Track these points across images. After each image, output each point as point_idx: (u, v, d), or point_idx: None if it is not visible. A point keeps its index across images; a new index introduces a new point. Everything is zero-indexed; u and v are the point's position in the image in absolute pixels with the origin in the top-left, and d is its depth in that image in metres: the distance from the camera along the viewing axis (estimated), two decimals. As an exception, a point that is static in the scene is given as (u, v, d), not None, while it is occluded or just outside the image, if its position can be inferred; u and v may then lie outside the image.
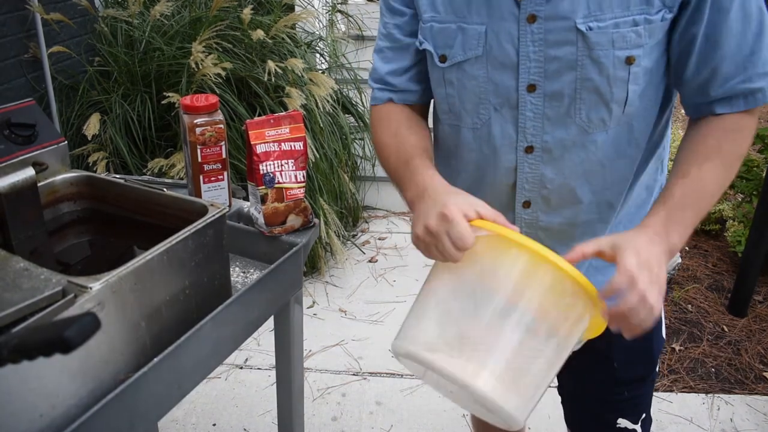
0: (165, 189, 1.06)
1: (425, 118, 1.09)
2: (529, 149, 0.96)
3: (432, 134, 1.11)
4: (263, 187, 1.14)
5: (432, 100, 1.08)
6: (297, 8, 3.16)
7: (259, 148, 1.12)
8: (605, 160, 0.95)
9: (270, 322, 1.23)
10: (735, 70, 0.86)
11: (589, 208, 0.99)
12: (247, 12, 2.61)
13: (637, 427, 1.13)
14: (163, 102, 2.41)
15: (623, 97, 0.90)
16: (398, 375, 2.28)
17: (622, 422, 1.13)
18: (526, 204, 1.00)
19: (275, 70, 2.51)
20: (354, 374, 2.28)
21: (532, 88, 0.92)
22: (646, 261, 0.76)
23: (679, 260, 2.76)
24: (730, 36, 0.84)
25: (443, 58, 0.96)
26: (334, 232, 2.75)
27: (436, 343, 0.74)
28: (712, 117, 0.89)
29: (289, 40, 2.86)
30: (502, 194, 1.01)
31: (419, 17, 0.97)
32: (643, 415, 1.14)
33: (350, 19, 3.75)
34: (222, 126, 1.19)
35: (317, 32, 3.34)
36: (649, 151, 0.99)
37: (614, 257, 0.76)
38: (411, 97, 1.06)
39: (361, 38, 3.76)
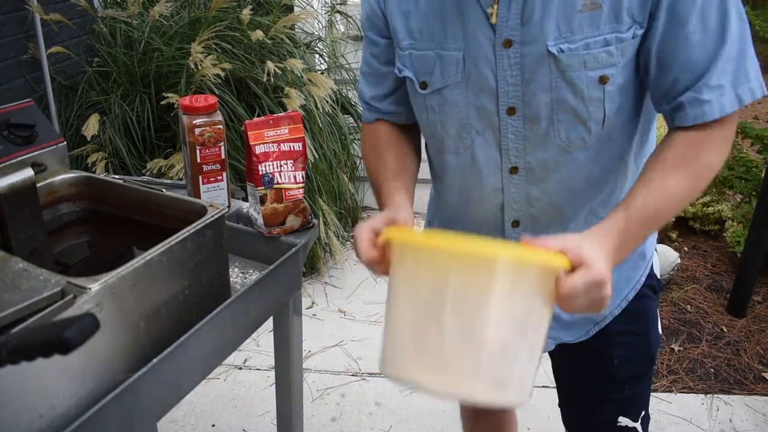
0: (164, 189, 1.06)
1: (414, 132, 1.11)
2: (514, 170, 0.96)
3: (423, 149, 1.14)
4: (262, 187, 1.14)
5: None
6: (296, 9, 3.16)
7: (258, 149, 1.12)
8: (590, 176, 0.96)
9: (269, 323, 1.23)
10: (691, 82, 0.85)
11: (578, 225, 1.00)
12: (246, 12, 2.61)
13: (638, 425, 1.14)
14: (162, 102, 2.41)
15: (600, 116, 0.90)
16: (397, 375, 2.28)
17: (623, 420, 1.13)
18: (515, 223, 1.01)
19: (274, 70, 2.51)
20: (353, 375, 2.28)
21: (512, 111, 0.92)
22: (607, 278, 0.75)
23: (678, 261, 2.76)
24: (687, 48, 0.84)
25: (424, 85, 0.96)
26: (333, 232, 2.75)
27: (420, 365, 0.73)
28: (680, 129, 0.88)
29: (288, 41, 2.86)
30: (490, 215, 1.02)
31: (397, 45, 0.98)
32: (642, 413, 1.14)
33: (349, 19, 3.75)
34: (221, 127, 1.20)
35: (316, 33, 3.34)
36: (634, 162, 0.99)
37: (579, 263, 0.74)
38: (397, 118, 1.08)
39: (360, 39, 3.75)
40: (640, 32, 0.85)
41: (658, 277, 1.13)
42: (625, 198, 0.85)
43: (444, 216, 1.15)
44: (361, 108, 1.11)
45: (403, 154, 1.06)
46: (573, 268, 0.73)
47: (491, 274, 0.69)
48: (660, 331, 1.15)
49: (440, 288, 0.71)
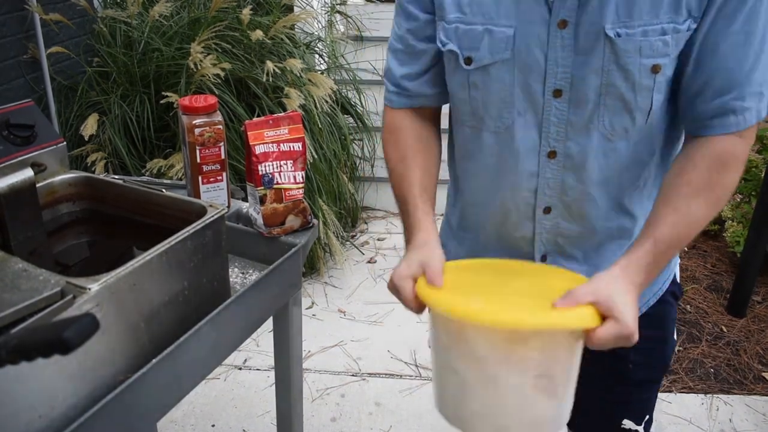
0: (164, 190, 1.06)
1: (438, 123, 1.09)
2: (552, 154, 0.94)
3: (448, 140, 1.10)
4: (262, 187, 1.14)
5: (447, 104, 1.07)
6: (296, 9, 3.16)
7: (258, 149, 1.12)
8: (625, 168, 0.94)
9: (269, 323, 1.23)
10: (729, 85, 0.84)
11: (608, 215, 0.98)
12: (246, 12, 2.61)
13: (640, 428, 1.13)
14: (161, 102, 2.41)
15: (647, 107, 0.89)
16: (397, 376, 2.28)
17: (627, 423, 1.13)
18: (547, 210, 0.99)
19: (273, 70, 2.51)
20: (353, 375, 2.28)
21: (558, 93, 0.90)
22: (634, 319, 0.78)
23: (678, 260, 2.76)
24: (729, 48, 0.83)
25: (468, 61, 0.93)
26: (333, 232, 2.75)
27: (468, 415, 0.79)
28: (704, 140, 0.88)
29: (288, 41, 2.86)
30: (521, 200, 0.99)
31: (441, 18, 0.95)
32: (647, 416, 1.14)
33: (349, 19, 3.75)
34: (221, 127, 1.19)
35: (316, 33, 3.34)
36: (661, 161, 0.98)
37: (609, 315, 0.77)
38: (426, 102, 1.05)
39: (360, 39, 3.76)
40: (694, 26, 0.84)
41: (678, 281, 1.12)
42: (651, 225, 0.85)
43: (469, 199, 1.09)
44: (388, 89, 1.07)
45: (429, 158, 1.04)
46: (603, 318, 0.76)
47: (524, 344, 0.73)
48: (675, 336, 1.14)
49: (472, 355, 0.75)
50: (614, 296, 0.77)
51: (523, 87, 0.91)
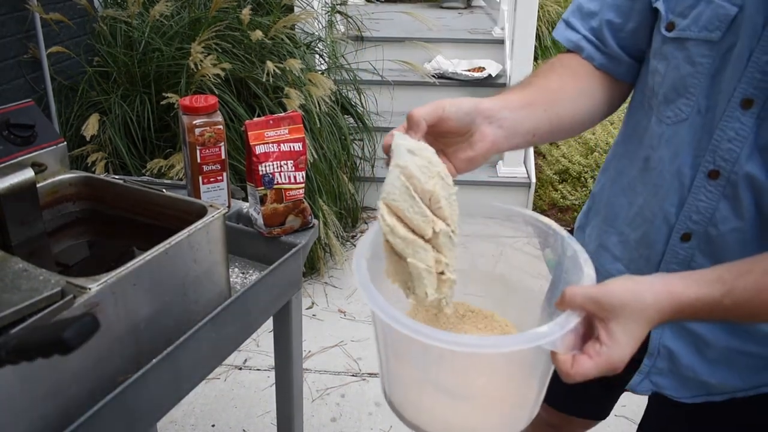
0: (164, 190, 1.06)
1: (604, 97, 0.89)
2: (714, 174, 0.77)
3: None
4: (262, 188, 1.14)
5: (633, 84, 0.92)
6: (296, 9, 3.16)
7: (258, 149, 1.12)
8: None
9: (269, 323, 1.23)
10: None
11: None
12: (246, 13, 2.61)
13: None
14: (162, 103, 2.41)
15: None
16: (397, 376, 2.28)
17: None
18: (686, 237, 0.81)
19: (274, 70, 2.51)
20: (353, 375, 2.28)
21: (747, 103, 0.73)
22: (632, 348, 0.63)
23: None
24: None
25: (670, 26, 0.78)
26: (333, 232, 2.75)
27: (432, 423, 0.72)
28: None
29: (288, 41, 2.86)
30: (660, 215, 0.83)
31: None
32: None
33: (349, 20, 3.75)
34: (221, 127, 1.19)
35: (316, 33, 3.34)
36: None
37: (605, 328, 0.63)
38: (616, 69, 0.88)
39: (360, 39, 3.76)
40: None
41: None
42: (737, 271, 0.66)
43: (606, 184, 0.96)
44: (573, 27, 0.90)
45: (559, 110, 0.83)
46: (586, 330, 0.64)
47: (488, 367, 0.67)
48: None
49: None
50: (623, 317, 0.62)
51: (713, 80, 0.76)
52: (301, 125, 1.16)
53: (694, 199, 0.79)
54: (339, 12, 3.70)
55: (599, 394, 1.18)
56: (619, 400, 1.22)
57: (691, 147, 0.79)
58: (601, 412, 1.23)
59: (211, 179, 1.22)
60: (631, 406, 1.23)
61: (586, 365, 0.62)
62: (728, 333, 0.84)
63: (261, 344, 2.40)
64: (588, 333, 0.65)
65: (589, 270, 0.68)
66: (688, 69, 0.78)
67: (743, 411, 0.88)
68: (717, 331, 0.84)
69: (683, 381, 0.90)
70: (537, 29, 3.66)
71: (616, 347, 0.62)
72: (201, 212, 0.97)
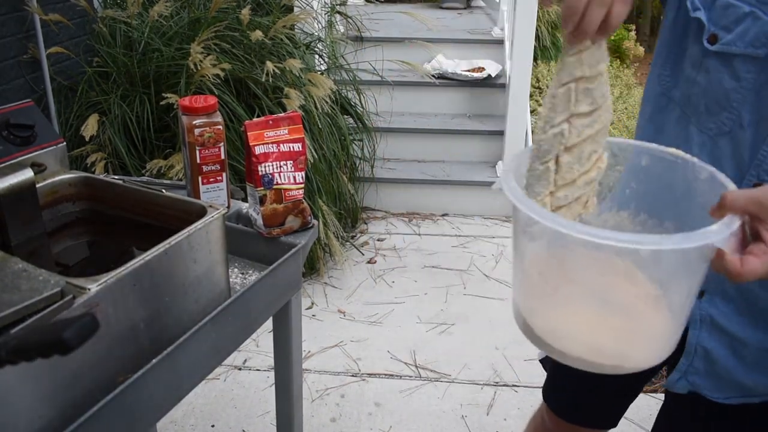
0: (164, 190, 1.06)
1: None
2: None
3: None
4: (262, 188, 1.14)
5: None
6: (296, 9, 3.16)
7: (258, 150, 1.12)
8: None
9: (269, 323, 1.23)
10: None
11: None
12: (245, 13, 2.61)
13: None
14: (161, 103, 2.41)
15: None
16: (397, 376, 2.28)
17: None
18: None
19: (273, 70, 2.51)
20: (353, 375, 2.28)
21: None
22: None
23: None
24: None
25: (713, 38, 0.78)
26: (333, 233, 2.76)
27: (586, 346, 0.70)
28: None
29: (287, 41, 2.86)
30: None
31: None
32: None
33: (349, 20, 3.75)
34: (221, 127, 1.19)
35: (316, 33, 3.34)
36: None
37: (766, 225, 0.62)
38: None
39: (359, 39, 3.76)
40: None
41: None
42: None
43: None
44: None
45: None
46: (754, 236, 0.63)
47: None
48: None
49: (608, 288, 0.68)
50: None
51: (758, 95, 0.76)
52: (301, 125, 1.16)
53: None
54: (339, 12, 3.70)
55: (610, 403, 1.18)
56: (619, 400, 1.21)
57: (734, 160, 0.79)
58: (611, 421, 1.22)
59: (211, 179, 1.22)
60: (632, 406, 1.23)
61: (755, 264, 0.62)
62: (765, 334, 0.84)
63: (261, 344, 2.40)
64: (745, 240, 0.65)
65: (732, 184, 0.68)
66: (732, 84, 0.77)
67: None
68: (753, 331, 0.84)
69: (720, 381, 0.90)
70: (536, 29, 3.67)
71: None
72: (201, 212, 0.97)
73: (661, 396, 2.16)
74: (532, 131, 3.72)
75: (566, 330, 0.71)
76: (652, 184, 0.78)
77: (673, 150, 0.76)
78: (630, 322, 0.70)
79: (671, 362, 0.95)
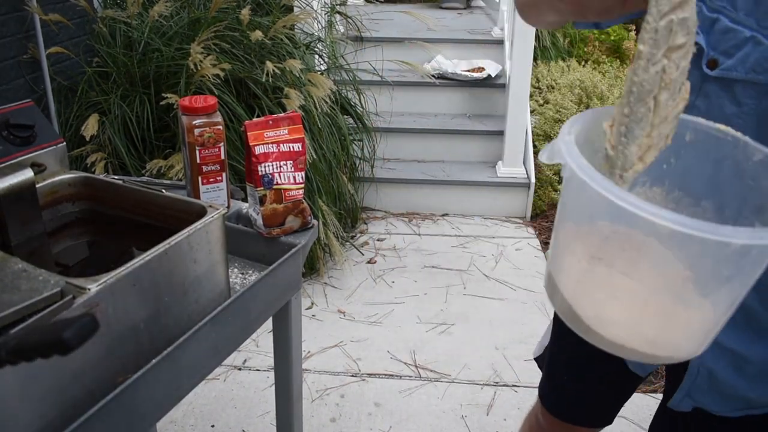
0: (164, 190, 1.06)
1: None
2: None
3: None
4: (262, 188, 1.14)
5: None
6: (296, 9, 3.16)
7: (258, 150, 1.12)
8: None
9: (269, 323, 1.23)
10: None
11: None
12: (245, 13, 2.61)
13: None
14: (161, 103, 2.41)
15: None
16: (397, 376, 2.28)
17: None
18: None
19: (273, 70, 2.51)
20: (353, 375, 2.28)
21: None
22: None
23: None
24: None
25: (713, 63, 0.77)
26: (333, 233, 2.76)
27: (636, 337, 0.66)
28: None
29: (287, 41, 2.87)
30: None
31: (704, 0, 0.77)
32: None
33: (349, 20, 3.76)
34: (220, 127, 1.19)
35: (316, 33, 3.34)
36: None
37: None
38: None
39: (359, 39, 3.76)
40: None
41: None
42: None
43: None
44: None
45: None
46: None
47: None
48: None
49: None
50: None
51: (759, 120, 0.75)
52: (301, 125, 1.16)
53: None
54: (338, 12, 3.70)
55: (607, 402, 1.18)
56: (619, 400, 1.21)
57: None
58: (606, 419, 1.22)
59: (211, 179, 1.22)
60: (630, 406, 1.23)
61: None
62: (766, 349, 0.84)
63: (260, 344, 2.40)
64: None
65: None
66: (733, 109, 0.76)
67: None
68: (756, 347, 0.84)
69: (723, 397, 0.90)
70: (536, 29, 3.66)
71: None
72: (200, 212, 0.97)
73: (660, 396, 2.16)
74: (532, 131, 3.72)
75: (620, 320, 0.67)
76: (694, 161, 0.73)
77: (721, 126, 0.72)
78: (675, 312, 0.66)
79: (673, 383, 0.95)
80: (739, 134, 0.71)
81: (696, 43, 0.72)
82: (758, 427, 0.91)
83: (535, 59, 4.31)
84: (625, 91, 0.65)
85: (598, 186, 0.58)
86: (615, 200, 0.56)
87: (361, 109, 3.33)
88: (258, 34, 2.57)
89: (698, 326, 0.67)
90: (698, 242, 0.55)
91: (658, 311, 0.66)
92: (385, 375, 2.28)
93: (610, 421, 1.22)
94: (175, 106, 2.36)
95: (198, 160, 1.19)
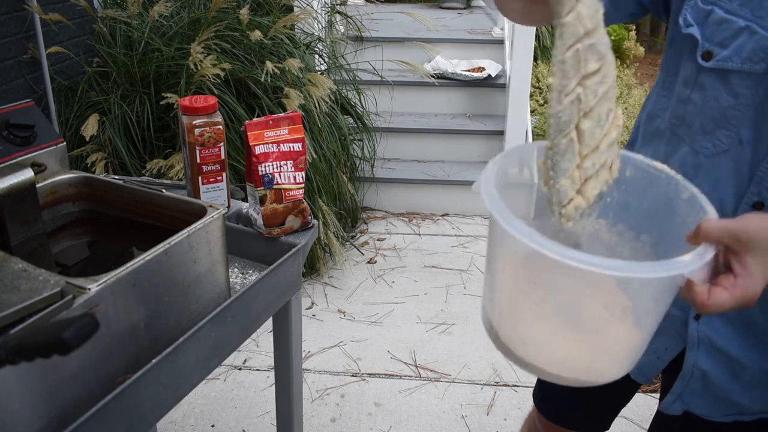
0: (164, 190, 1.06)
1: None
2: (759, 206, 0.76)
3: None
4: (262, 188, 1.14)
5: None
6: (296, 9, 3.16)
7: (258, 149, 1.12)
8: None
9: (269, 323, 1.23)
10: None
11: None
12: (245, 13, 2.61)
13: None
14: (161, 103, 2.41)
15: None
16: (397, 376, 2.28)
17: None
18: None
19: (272, 70, 2.51)
20: (353, 375, 2.28)
21: None
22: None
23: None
24: None
25: (708, 55, 0.76)
26: (333, 233, 2.75)
27: (559, 362, 0.70)
28: None
29: (287, 41, 2.86)
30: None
31: None
32: None
33: (349, 20, 3.76)
34: (221, 127, 1.19)
35: (316, 33, 3.34)
36: None
37: (739, 261, 0.63)
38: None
39: (360, 39, 3.76)
40: None
41: None
42: None
43: None
44: None
45: None
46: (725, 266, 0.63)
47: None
48: None
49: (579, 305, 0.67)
50: (758, 249, 0.61)
51: (757, 111, 0.74)
52: (301, 125, 1.16)
53: None
54: (339, 12, 3.70)
55: (603, 407, 1.17)
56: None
57: (733, 178, 0.77)
58: (602, 425, 1.22)
59: (211, 179, 1.22)
60: (631, 406, 1.23)
61: (722, 296, 0.62)
62: (763, 355, 0.83)
63: (261, 344, 2.40)
64: (717, 268, 0.65)
65: (711, 209, 0.68)
66: (729, 101, 0.75)
67: None
68: (752, 353, 0.84)
69: (715, 401, 0.90)
70: (536, 29, 3.66)
71: (750, 279, 0.62)
72: (200, 212, 0.97)
73: (661, 396, 2.16)
74: (532, 131, 3.72)
75: (533, 340, 0.70)
76: (634, 195, 0.77)
77: (658, 164, 0.75)
78: (597, 335, 0.69)
79: (666, 385, 0.95)
80: (672, 172, 0.73)
81: (690, 36, 0.75)
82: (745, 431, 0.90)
83: (535, 59, 4.31)
84: (547, 126, 0.65)
85: (504, 223, 0.61)
86: (516, 235, 0.60)
87: (361, 109, 3.32)
88: (258, 34, 2.57)
89: (609, 351, 0.69)
90: (585, 274, 0.58)
91: (570, 337, 0.68)
92: (385, 375, 2.28)
93: (607, 426, 1.21)
94: (175, 106, 2.36)
95: (198, 160, 1.19)
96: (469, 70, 3.85)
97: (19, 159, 1.03)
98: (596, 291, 0.66)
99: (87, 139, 2.36)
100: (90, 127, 2.34)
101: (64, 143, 1.11)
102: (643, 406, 2.05)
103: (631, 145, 0.96)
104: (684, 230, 0.67)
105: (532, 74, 3.74)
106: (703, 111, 0.78)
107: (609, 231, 0.79)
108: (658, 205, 0.74)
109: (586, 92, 0.63)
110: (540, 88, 4.38)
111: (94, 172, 2.06)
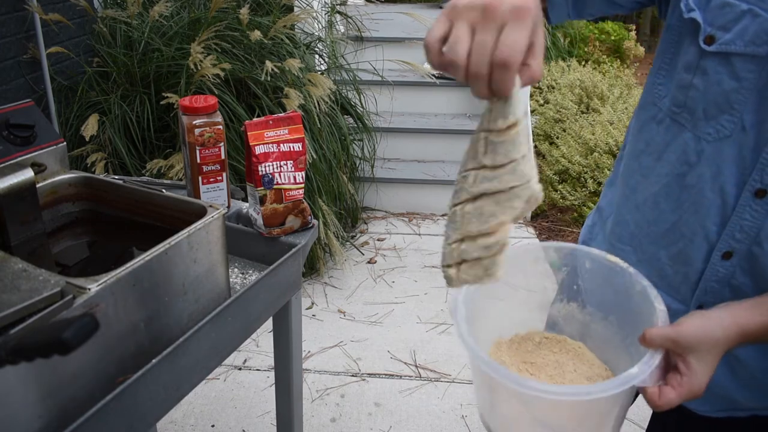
0: (164, 190, 1.06)
1: None
2: (761, 193, 0.75)
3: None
4: (262, 188, 1.14)
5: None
6: (296, 9, 3.16)
7: (258, 149, 1.12)
8: None
9: (269, 323, 1.23)
10: None
11: None
12: (245, 12, 2.61)
13: None
14: (162, 103, 2.41)
15: None
16: (397, 376, 2.28)
17: None
18: (727, 255, 0.80)
19: (272, 70, 2.51)
20: (353, 375, 2.28)
21: None
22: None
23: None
24: None
25: (710, 39, 0.75)
26: (333, 233, 2.75)
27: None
28: None
29: (287, 41, 2.87)
30: (699, 235, 0.82)
31: None
32: None
33: (349, 20, 3.76)
34: (221, 127, 1.19)
35: (316, 33, 3.34)
36: None
37: (681, 366, 0.70)
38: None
39: (360, 39, 3.76)
40: None
41: None
42: None
43: (633, 204, 0.92)
44: None
45: None
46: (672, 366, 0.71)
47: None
48: None
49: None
50: (698, 351, 0.69)
51: (760, 95, 0.74)
52: (301, 125, 1.16)
53: (739, 217, 0.77)
54: (339, 12, 3.70)
55: None
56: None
57: (736, 164, 0.77)
58: None
59: (211, 179, 1.22)
60: (632, 406, 1.23)
61: (671, 395, 0.70)
62: (763, 354, 0.84)
63: (261, 344, 2.40)
64: (668, 364, 0.73)
65: (660, 305, 0.75)
66: (732, 84, 0.75)
67: (764, 427, 0.90)
68: (752, 352, 0.84)
69: (710, 396, 0.88)
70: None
71: (694, 377, 0.70)
72: (200, 212, 0.97)
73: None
74: (533, 131, 3.72)
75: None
76: (597, 284, 0.85)
77: (612, 258, 0.82)
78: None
79: None
80: (625, 265, 0.81)
81: (692, 20, 0.76)
82: (741, 428, 0.91)
83: (535, 59, 4.30)
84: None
85: (468, 349, 0.71)
86: (480, 364, 0.69)
87: (362, 109, 3.33)
88: (258, 34, 2.57)
89: None
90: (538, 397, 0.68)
91: None
92: (385, 375, 2.28)
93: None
94: (175, 106, 2.36)
95: (198, 160, 1.20)
96: (469, 70, 3.84)
97: (19, 159, 1.03)
98: (560, 406, 0.74)
99: (87, 139, 2.36)
100: (90, 127, 2.34)
101: (64, 143, 1.11)
102: (643, 407, 2.05)
103: (624, 140, 0.97)
104: (640, 318, 0.76)
105: (532, 74, 3.73)
106: (706, 96, 0.78)
107: (581, 312, 0.88)
108: (619, 294, 0.82)
109: (475, 178, 0.64)
110: (540, 88, 4.38)
111: (94, 172, 2.06)
